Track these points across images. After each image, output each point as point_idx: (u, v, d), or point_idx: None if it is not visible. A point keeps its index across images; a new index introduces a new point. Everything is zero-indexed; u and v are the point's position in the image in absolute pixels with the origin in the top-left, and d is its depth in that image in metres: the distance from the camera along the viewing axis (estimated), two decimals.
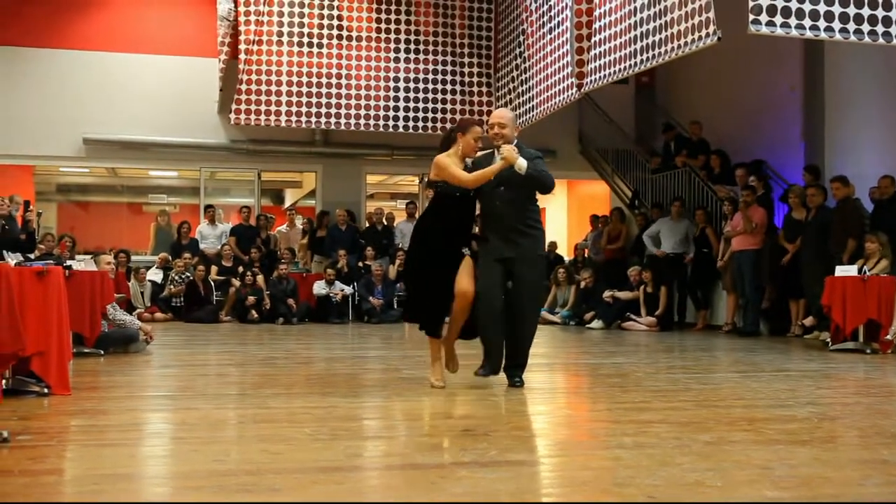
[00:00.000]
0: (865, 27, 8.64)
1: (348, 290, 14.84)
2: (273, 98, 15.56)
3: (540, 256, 6.65)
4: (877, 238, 10.01)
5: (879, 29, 8.70)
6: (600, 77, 11.44)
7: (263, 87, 15.53)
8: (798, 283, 11.57)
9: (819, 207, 11.36)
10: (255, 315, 14.02)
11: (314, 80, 15.67)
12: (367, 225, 16.84)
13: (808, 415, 5.27)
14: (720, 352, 10.03)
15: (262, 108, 15.53)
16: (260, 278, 14.60)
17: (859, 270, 9.68)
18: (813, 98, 13.73)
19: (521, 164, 6.19)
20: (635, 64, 10.49)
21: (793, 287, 11.80)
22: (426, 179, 6.32)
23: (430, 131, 16.17)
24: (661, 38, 9.84)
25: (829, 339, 10.02)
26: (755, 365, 8.31)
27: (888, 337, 9.24)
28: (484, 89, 16.30)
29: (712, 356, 9.52)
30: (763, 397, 6.06)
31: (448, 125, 16.10)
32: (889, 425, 5.01)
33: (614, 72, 11.05)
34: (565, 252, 17.91)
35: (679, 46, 9.44)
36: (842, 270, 9.86)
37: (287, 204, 22.77)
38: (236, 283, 14.64)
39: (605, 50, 11.24)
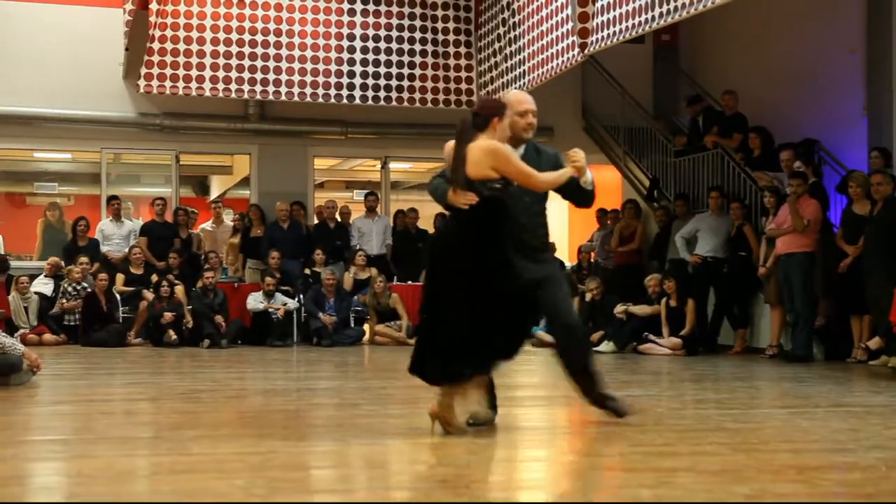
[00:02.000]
0: None
1: (292, 304, 14.79)
2: (194, 60, 15.50)
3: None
4: None
5: None
6: (609, 35, 11.47)
7: (182, 46, 15.46)
8: (861, 295, 11.63)
9: (887, 200, 11.42)
10: (174, 336, 13.95)
11: (246, 37, 15.61)
12: (317, 222, 16.81)
13: (873, 462, 5.29)
14: (762, 381, 10.06)
15: (181, 72, 15.46)
16: (179, 290, 14.53)
17: None
18: (879, 63, 13.81)
19: (589, 176, 6.31)
20: (653, 18, 10.52)
21: (854, 300, 11.86)
22: (460, 176, 6.03)
23: (393, 103, 16.17)
24: None
25: None
26: (807, 398, 8.35)
27: None
28: (462, 50, 16.32)
29: (752, 387, 9.55)
30: (817, 439, 6.08)
31: (417, 95, 16.14)
32: None
33: (626, 28, 11.08)
34: (566, 257, 17.95)
35: None
36: None
37: (214, 195, 22.73)
38: (149, 295, 14.55)
39: (615, 0, 11.28)
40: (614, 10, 11.31)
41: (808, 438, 6.12)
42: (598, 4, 11.67)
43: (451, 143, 6.23)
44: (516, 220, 6.12)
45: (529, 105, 6.36)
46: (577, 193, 6.44)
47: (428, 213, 17.67)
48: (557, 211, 21.04)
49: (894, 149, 13.07)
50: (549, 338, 14.55)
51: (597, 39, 11.79)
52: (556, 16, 12.79)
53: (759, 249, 13.20)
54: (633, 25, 10.94)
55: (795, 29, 15.32)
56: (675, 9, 10.09)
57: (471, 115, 6.13)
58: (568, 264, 17.03)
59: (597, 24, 11.74)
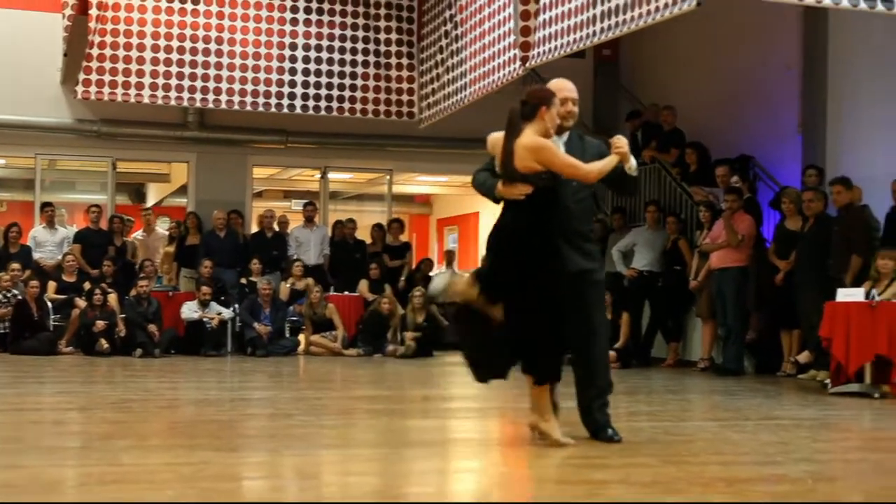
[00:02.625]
0: None
1: (227, 313, 14.69)
2: (133, 67, 15.34)
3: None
4: (891, 255, 10.19)
5: None
6: (550, 49, 11.54)
7: (121, 53, 15.31)
8: (791, 309, 11.78)
9: (818, 216, 11.59)
10: (106, 345, 13.79)
11: (186, 44, 15.50)
12: (254, 231, 16.71)
13: (801, 474, 5.36)
14: (694, 394, 10.16)
15: (119, 79, 15.30)
16: (113, 298, 14.38)
17: (867, 295, 9.89)
18: (814, 80, 14.03)
19: (633, 163, 6.29)
20: (594, 33, 10.60)
21: (785, 315, 12.01)
22: (510, 169, 6.01)
23: (334, 113, 16.12)
24: (627, 2, 9.97)
25: (828, 380, 10.20)
26: (737, 411, 8.44)
27: None
28: (404, 61, 16.32)
29: (684, 400, 9.65)
30: (746, 452, 6.15)
31: (358, 105, 16.12)
32: None
33: (568, 42, 11.15)
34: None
35: (650, 12, 9.58)
36: (845, 295, 10.05)
37: (150, 203, 22.54)
38: (81, 303, 14.38)
39: (556, 15, 11.35)
40: (556, 24, 11.38)
41: (737, 451, 6.19)
42: (540, 18, 11.73)
43: (495, 135, 6.24)
44: (566, 207, 6.16)
45: (569, 93, 6.32)
46: (622, 181, 6.34)
47: (366, 224, 17.67)
48: (493, 222, 21.17)
49: (827, 165, 13.27)
50: None
51: (538, 53, 11.85)
52: (498, 29, 12.84)
53: (693, 263, 13.32)
54: (575, 40, 11.00)
55: (733, 46, 15.50)
56: (616, 24, 10.17)
57: (519, 105, 6.10)
58: None
59: (538, 38, 11.80)
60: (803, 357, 11.29)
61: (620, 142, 6.24)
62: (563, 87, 6.32)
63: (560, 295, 6.00)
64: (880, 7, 8.93)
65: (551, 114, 6.06)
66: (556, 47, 11.40)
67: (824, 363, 10.68)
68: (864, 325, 9.63)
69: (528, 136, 5.97)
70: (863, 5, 8.89)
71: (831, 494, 4.94)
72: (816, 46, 13.94)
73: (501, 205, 6.30)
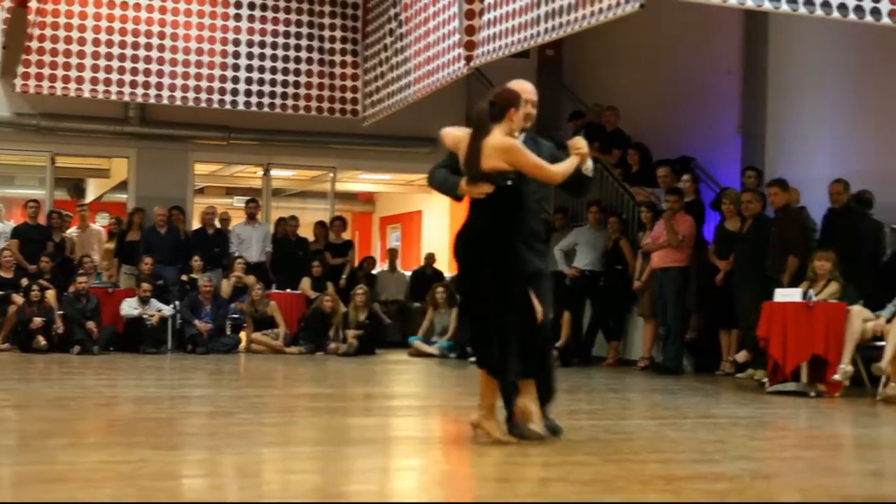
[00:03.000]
0: None
1: (167, 310, 14.57)
2: (73, 61, 15.18)
3: None
4: (827, 256, 10.31)
5: (834, 0, 9.06)
6: (495, 48, 11.56)
7: (61, 46, 15.13)
8: (730, 309, 11.91)
9: (756, 217, 11.71)
10: (43, 342, 13.64)
11: (128, 39, 15.34)
12: (196, 227, 16.59)
13: (738, 472, 5.41)
14: (634, 393, 10.24)
15: (59, 72, 15.12)
16: (51, 294, 14.22)
17: (804, 295, 10.01)
18: (753, 83, 14.18)
19: (590, 164, 6.37)
20: (538, 33, 10.64)
21: (724, 314, 12.14)
22: (475, 169, 6.03)
23: (277, 110, 16.04)
24: (571, 3, 10.01)
25: (765, 379, 10.31)
26: (677, 410, 8.51)
27: (837, 377, 9.57)
28: (348, 59, 16.28)
29: (625, 398, 9.71)
30: (685, 450, 6.20)
31: (301, 103, 16.05)
32: (836, 485, 5.19)
33: (512, 42, 11.18)
34: (445, 267, 18.02)
35: (593, 13, 9.63)
36: (782, 295, 10.17)
37: (90, 198, 22.31)
38: (18, 299, 14.20)
39: (501, 14, 11.38)
40: (500, 24, 11.40)
41: (676, 449, 6.24)
42: (485, 18, 11.75)
43: (454, 132, 6.30)
44: (528, 207, 6.24)
45: (531, 95, 6.36)
46: (579, 182, 6.41)
47: (308, 221, 17.61)
48: (437, 221, 21.20)
49: (766, 167, 13.42)
50: (426, 348, 14.68)
51: (482, 52, 11.87)
52: (443, 28, 12.84)
53: (635, 263, 13.41)
54: (519, 40, 11.03)
55: (675, 48, 15.62)
56: (560, 25, 10.21)
57: (487, 105, 6.13)
58: (448, 275, 17.07)
59: (483, 37, 11.81)
60: (741, 356, 11.41)
61: (581, 143, 6.32)
62: (525, 88, 6.37)
63: (521, 295, 6.07)
64: (819, 11, 9.04)
65: (519, 115, 6.15)
66: (500, 47, 11.43)
67: (762, 362, 10.80)
68: (801, 325, 9.75)
69: (498, 137, 6.03)
70: (802, 9, 8.99)
71: (767, 492, 5.00)
72: (756, 49, 14.10)
73: (450, 204, 6.37)
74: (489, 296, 6.02)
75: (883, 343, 9.37)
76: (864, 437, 7.29)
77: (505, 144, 6.01)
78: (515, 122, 6.14)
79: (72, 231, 16.58)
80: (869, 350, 9.79)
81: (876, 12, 9.15)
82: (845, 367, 9.53)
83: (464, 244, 6.17)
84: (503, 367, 6.03)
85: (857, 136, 12.73)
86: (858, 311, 9.75)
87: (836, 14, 9.07)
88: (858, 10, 9.11)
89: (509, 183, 6.02)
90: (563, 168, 6.18)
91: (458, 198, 6.26)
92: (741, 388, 10.53)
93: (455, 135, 6.29)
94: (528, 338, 6.06)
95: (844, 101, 12.92)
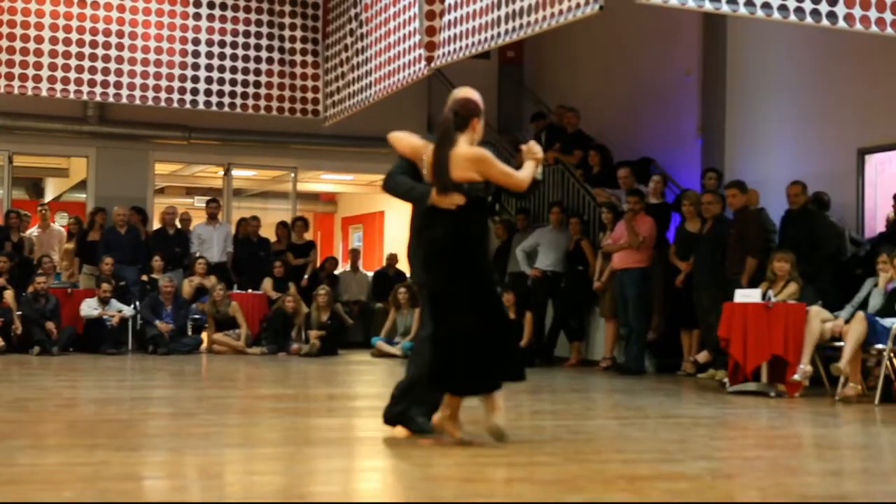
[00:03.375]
0: (775, 0, 9.04)
1: (128, 311, 14.48)
2: (31, 59, 15.02)
3: None
4: (786, 258, 10.40)
5: (791, 4, 9.14)
6: (456, 49, 11.57)
7: (18, 45, 14.97)
8: (691, 310, 11.98)
9: (716, 218, 11.80)
10: (1, 343, 13.52)
11: (87, 37, 15.22)
12: (157, 228, 16.49)
13: (699, 472, 5.45)
14: (596, 393, 10.28)
15: (16, 70, 14.96)
16: (9, 294, 14.09)
17: (763, 296, 10.09)
18: (712, 86, 14.29)
19: (540, 168, 6.43)
20: (499, 34, 10.66)
21: (685, 315, 12.21)
22: (445, 179, 6.06)
23: (238, 110, 15.97)
24: (531, 4, 10.04)
25: (726, 380, 10.39)
26: (638, 410, 8.55)
27: (796, 377, 9.65)
28: (309, 59, 16.24)
29: (587, 398, 9.75)
30: (647, 450, 6.23)
31: (262, 102, 15.99)
32: (796, 485, 5.24)
33: (473, 43, 11.20)
34: (407, 268, 18.02)
35: (553, 15, 9.66)
36: (742, 296, 10.24)
37: (49, 198, 22.13)
38: None
39: (462, 15, 11.39)
40: (461, 25, 11.42)
41: (638, 449, 6.27)
42: (445, 19, 11.76)
43: (403, 137, 6.40)
44: None
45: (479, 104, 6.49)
46: (532, 186, 6.44)
47: (270, 221, 17.55)
48: (398, 221, 21.17)
49: (726, 169, 13.52)
50: (388, 348, 14.67)
51: (443, 53, 11.88)
52: (404, 28, 12.84)
53: (596, 264, 13.47)
54: (479, 41, 11.05)
55: (635, 50, 15.71)
56: (521, 26, 10.24)
57: (451, 115, 6.20)
58: (408, 275, 17.04)
59: (443, 38, 11.83)
60: (702, 356, 11.50)
61: (536, 148, 6.41)
62: (474, 96, 6.41)
63: (498, 302, 6.27)
64: (776, 15, 9.12)
65: (480, 125, 6.29)
66: (461, 48, 11.44)
67: (723, 362, 10.88)
68: (761, 325, 9.82)
69: (466, 147, 6.13)
70: (759, 13, 9.06)
71: (728, 491, 5.03)
72: (715, 52, 14.21)
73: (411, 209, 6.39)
74: (465, 307, 6.03)
75: (841, 343, 9.46)
76: (823, 437, 7.36)
77: (476, 155, 6.09)
78: (478, 131, 6.26)
79: (32, 231, 16.44)
80: (828, 350, 9.89)
81: (832, 16, 9.24)
82: (805, 367, 9.61)
83: (438, 254, 6.16)
84: (466, 382, 6.05)
85: (816, 137, 12.85)
86: (817, 312, 9.84)
87: (793, 18, 9.15)
88: (815, 13, 9.20)
89: (480, 194, 6.14)
90: (526, 174, 6.25)
91: (423, 207, 6.23)
92: (702, 388, 10.60)
93: (411, 143, 6.36)
94: (507, 344, 6.16)
95: (803, 103, 13.04)
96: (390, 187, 6.46)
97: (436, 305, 6.17)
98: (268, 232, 17.01)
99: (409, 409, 6.51)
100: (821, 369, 9.83)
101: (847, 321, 9.57)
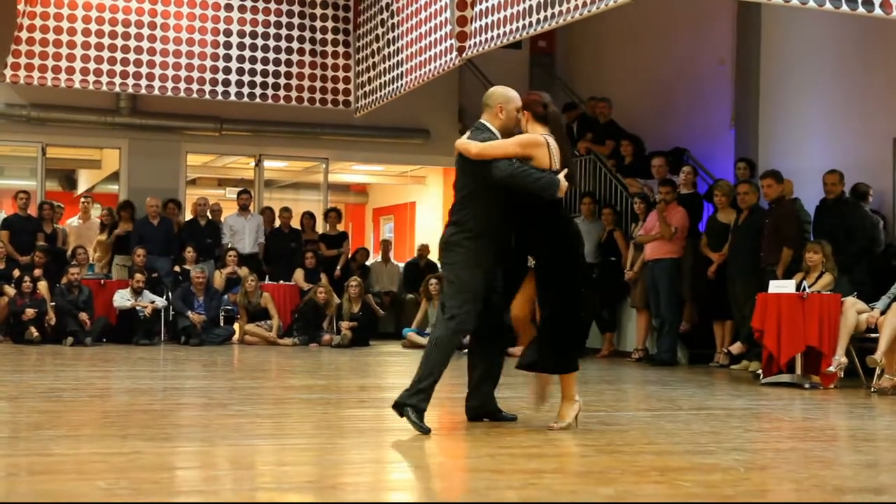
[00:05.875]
0: None
1: (161, 302, 14.56)
2: (64, 51, 15.12)
3: None
4: (821, 247, 10.34)
5: None
6: (487, 39, 11.55)
7: (51, 36, 15.06)
8: (724, 301, 11.93)
9: (751, 209, 11.73)
10: (36, 333, 13.62)
11: (119, 29, 15.29)
12: (188, 219, 16.57)
13: (733, 463, 5.43)
14: (628, 385, 10.25)
15: (49, 62, 15.06)
16: (43, 285, 14.20)
17: (798, 287, 10.04)
18: (746, 75, 14.19)
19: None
20: (530, 24, 10.63)
21: (718, 306, 12.16)
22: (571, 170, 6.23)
23: (269, 101, 16.01)
24: None
25: (760, 371, 10.35)
26: (671, 402, 8.52)
27: (831, 368, 9.60)
28: (340, 50, 16.24)
29: (618, 390, 9.72)
30: (679, 442, 6.21)
31: (293, 93, 16.02)
32: (830, 477, 5.21)
33: (504, 33, 11.17)
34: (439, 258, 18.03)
35: (586, 3, 9.62)
36: (776, 287, 10.19)
37: (81, 189, 22.26)
38: (10, 291, 14.18)
39: (493, 5, 11.36)
40: (492, 15, 11.39)
41: (670, 440, 6.25)
42: (477, 9, 11.73)
43: (535, 139, 6.67)
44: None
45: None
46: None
47: (301, 212, 17.58)
48: (431, 213, 21.19)
49: (759, 159, 13.43)
50: (419, 339, 14.68)
51: (474, 43, 11.86)
52: (435, 18, 12.83)
53: (628, 254, 13.44)
54: (511, 31, 11.02)
55: (667, 40, 15.63)
56: (552, 16, 10.20)
57: (554, 109, 6.89)
58: (440, 266, 17.05)
59: (475, 28, 11.80)
60: (735, 348, 11.44)
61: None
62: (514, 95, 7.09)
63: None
64: (811, 2, 9.03)
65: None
66: (492, 38, 11.42)
67: (756, 354, 10.84)
68: (795, 316, 9.76)
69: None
70: (794, 0, 8.98)
71: (762, 483, 5.01)
72: (749, 41, 14.11)
73: (443, 196, 6.49)
74: (570, 289, 6.42)
75: (877, 335, 9.40)
76: (858, 429, 7.31)
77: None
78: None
79: (71, 221, 16.56)
80: (863, 341, 9.84)
81: (868, 3, 9.14)
82: (839, 358, 9.56)
83: (560, 242, 6.59)
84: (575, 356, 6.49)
85: (850, 126, 12.75)
86: (852, 303, 9.78)
87: (828, 5, 9.05)
88: (851, 1, 9.11)
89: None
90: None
91: (551, 196, 6.50)
92: (735, 380, 10.56)
93: (534, 139, 6.63)
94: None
95: (837, 92, 12.93)
96: (521, 175, 6.49)
97: (563, 290, 6.38)
98: (299, 222, 17.06)
99: (487, 403, 6.75)
100: (856, 361, 9.77)
101: (883, 312, 9.50)
